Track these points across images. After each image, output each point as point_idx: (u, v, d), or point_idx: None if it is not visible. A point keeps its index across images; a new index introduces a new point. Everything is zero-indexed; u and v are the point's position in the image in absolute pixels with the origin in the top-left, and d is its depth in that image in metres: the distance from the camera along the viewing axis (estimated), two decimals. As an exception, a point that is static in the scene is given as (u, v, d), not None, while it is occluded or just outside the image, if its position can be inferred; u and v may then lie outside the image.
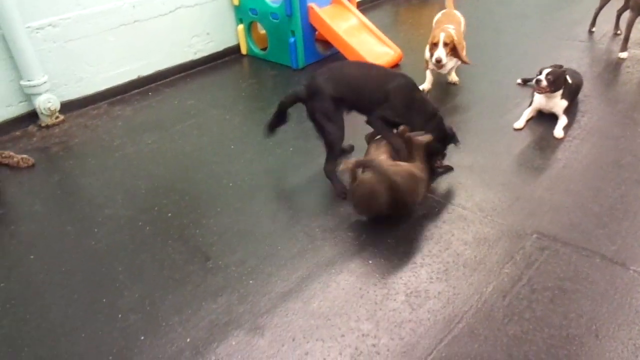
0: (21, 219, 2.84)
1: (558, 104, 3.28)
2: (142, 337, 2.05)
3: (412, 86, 2.79)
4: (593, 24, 4.64)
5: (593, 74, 3.95)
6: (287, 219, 2.68)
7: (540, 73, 3.20)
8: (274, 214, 2.71)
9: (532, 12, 5.39)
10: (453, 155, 3.00)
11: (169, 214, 2.78)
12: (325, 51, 4.68)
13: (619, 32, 4.51)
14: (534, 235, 2.43)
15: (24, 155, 3.34)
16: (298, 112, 3.76)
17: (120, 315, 2.16)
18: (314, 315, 2.11)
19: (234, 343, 2.00)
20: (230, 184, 3.00)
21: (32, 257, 2.54)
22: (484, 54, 4.47)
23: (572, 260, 2.28)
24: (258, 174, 3.08)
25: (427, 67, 3.86)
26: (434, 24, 4.02)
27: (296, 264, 2.38)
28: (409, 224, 2.57)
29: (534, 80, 3.24)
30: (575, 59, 4.20)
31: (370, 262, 2.36)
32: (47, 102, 3.74)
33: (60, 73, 3.89)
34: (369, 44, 4.40)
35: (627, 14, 4.11)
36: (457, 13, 4.07)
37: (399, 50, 4.42)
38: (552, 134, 3.19)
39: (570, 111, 3.38)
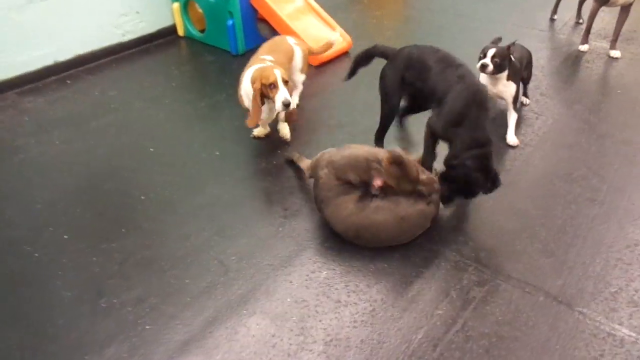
0: None
1: (506, 87, 2.91)
2: (4, 406, 1.72)
3: (475, 94, 2.30)
4: (555, 11, 4.36)
5: (551, 69, 3.68)
6: (200, 243, 2.34)
7: (485, 55, 2.81)
8: (186, 237, 2.37)
9: (494, -6, 5.07)
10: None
11: (65, 236, 2.40)
12: (269, 34, 4.26)
13: (580, 21, 4.25)
14: (473, 267, 2.18)
15: None
16: (230, 108, 3.40)
17: (-17, 374, 1.82)
18: (215, 372, 1.81)
19: (113, 413, 1.70)
20: (142, 197, 2.64)
21: None
22: (439, 39, 4.13)
23: (513, 298, 2.03)
24: (175, 185, 2.71)
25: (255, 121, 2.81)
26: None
27: (203, 302, 2.06)
28: (335, 252, 2.28)
29: (477, 65, 2.83)
30: (533, 50, 3.89)
31: (289, 300, 2.06)
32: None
33: (-45, 58, 3.40)
34: (314, 28, 4.00)
35: (590, 3, 3.83)
36: (292, 42, 3.26)
37: (348, 37, 4.06)
38: (505, 140, 2.93)
39: (518, 104, 3.11)
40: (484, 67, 2.81)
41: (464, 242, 2.30)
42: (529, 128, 3.04)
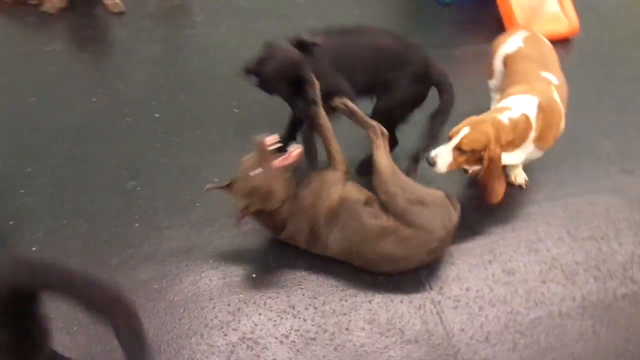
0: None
1: None
2: None
3: None
4: None
5: None
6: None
7: None
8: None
9: None
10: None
11: (157, 115, 2.59)
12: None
13: None
14: (461, 368, 1.66)
15: (117, 1, 3.27)
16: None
17: None
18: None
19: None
20: (235, 110, 2.65)
21: None
22: None
23: None
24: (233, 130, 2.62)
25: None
26: (495, 67, 2.32)
27: (194, 230, 2.05)
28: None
29: None
30: None
31: (254, 276, 1.92)
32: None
33: None
34: (536, -1, 3.19)
35: None
36: (546, 40, 2.26)
37: (575, 21, 3.13)
38: None
39: None
40: None
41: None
42: None
